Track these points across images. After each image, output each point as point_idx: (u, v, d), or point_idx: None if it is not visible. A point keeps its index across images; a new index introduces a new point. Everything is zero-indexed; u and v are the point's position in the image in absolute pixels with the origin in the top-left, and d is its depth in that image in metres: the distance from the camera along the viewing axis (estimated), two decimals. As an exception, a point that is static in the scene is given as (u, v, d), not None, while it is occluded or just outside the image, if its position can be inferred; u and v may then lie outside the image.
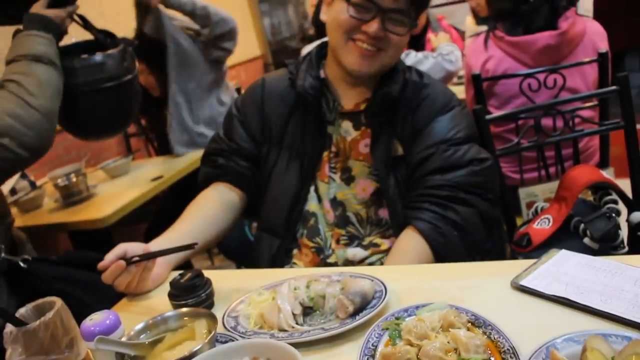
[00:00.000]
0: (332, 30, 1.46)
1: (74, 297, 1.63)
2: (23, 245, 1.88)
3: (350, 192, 1.54)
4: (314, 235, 1.54)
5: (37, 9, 1.76)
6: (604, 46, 2.11)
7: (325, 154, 1.55)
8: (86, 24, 1.95)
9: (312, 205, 1.56)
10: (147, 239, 1.40)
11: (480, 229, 1.42)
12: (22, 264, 1.65)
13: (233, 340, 0.98)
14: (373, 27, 1.37)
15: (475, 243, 1.41)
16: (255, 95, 1.63)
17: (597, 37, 2.13)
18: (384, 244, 1.52)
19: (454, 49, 2.94)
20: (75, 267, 1.80)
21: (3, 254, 1.64)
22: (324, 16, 1.50)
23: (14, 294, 1.64)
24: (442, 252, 1.35)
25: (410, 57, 2.83)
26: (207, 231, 1.51)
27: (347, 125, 1.54)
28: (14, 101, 1.59)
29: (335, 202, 1.55)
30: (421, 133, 1.47)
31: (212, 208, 1.56)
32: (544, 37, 2.07)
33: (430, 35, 3.69)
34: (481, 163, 1.44)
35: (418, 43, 3.61)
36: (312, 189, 1.56)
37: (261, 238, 1.60)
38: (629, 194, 1.69)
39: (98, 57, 1.85)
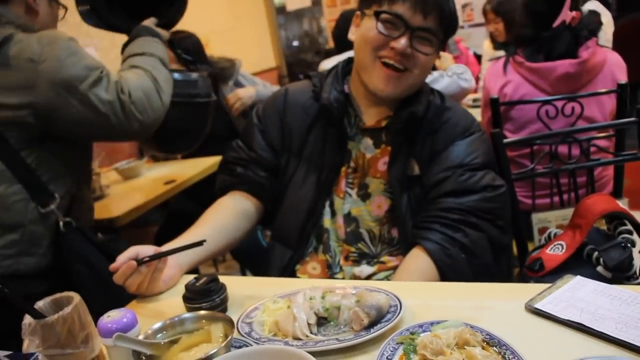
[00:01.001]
0: (360, 48, 1.48)
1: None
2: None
3: (365, 208, 1.54)
4: (325, 251, 1.55)
5: (149, 23, 1.92)
6: (623, 77, 2.12)
7: (343, 169, 1.56)
8: (173, 46, 2.11)
9: (325, 220, 1.56)
10: (158, 241, 1.41)
11: (488, 253, 1.43)
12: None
13: (247, 346, 0.99)
14: (401, 43, 1.39)
15: (482, 267, 1.41)
16: (278, 104, 1.65)
17: (616, 68, 2.15)
18: (391, 261, 1.52)
19: (464, 69, 2.98)
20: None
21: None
22: (352, 36, 1.53)
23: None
24: (448, 274, 1.36)
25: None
26: (220, 239, 1.52)
27: (367, 142, 1.56)
28: (150, 84, 1.75)
29: (349, 218, 1.55)
30: (439, 155, 1.49)
31: (227, 217, 1.57)
32: (563, 65, 2.09)
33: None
34: (495, 190, 1.46)
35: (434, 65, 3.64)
36: (327, 203, 1.56)
37: (274, 247, 1.61)
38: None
39: (194, 75, 2.03)
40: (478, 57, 4.23)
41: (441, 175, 1.46)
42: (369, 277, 1.51)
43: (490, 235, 1.43)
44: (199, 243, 1.30)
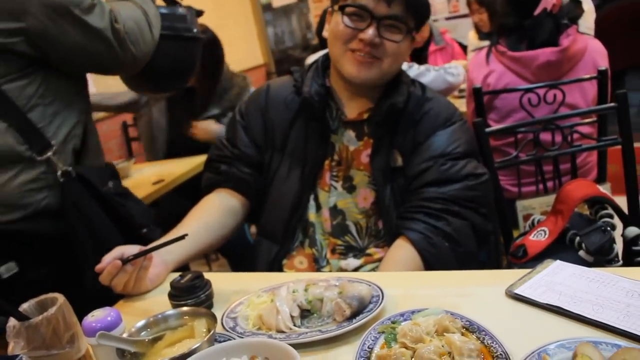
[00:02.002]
0: (331, 43, 1.49)
1: None
2: None
3: (352, 200, 1.55)
4: (312, 244, 1.56)
5: None
6: (604, 64, 2.14)
7: (327, 162, 1.57)
8: None
9: (311, 214, 1.57)
10: (148, 242, 1.42)
11: (471, 241, 1.45)
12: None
13: (231, 340, 1.00)
14: (368, 33, 1.40)
15: (466, 255, 1.43)
16: (260, 100, 1.65)
17: (597, 55, 2.16)
18: (377, 253, 1.53)
19: (459, 66, 2.98)
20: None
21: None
22: (325, 33, 1.54)
23: None
24: (432, 263, 1.37)
25: (413, 70, 2.87)
26: (205, 236, 1.53)
27: (349, 134, 1.56)
28: (142, 17, 1.70)
29: (335, 211, 1.56)
30: (421, 146, 1.50)
31: (212, 214, 1.57)
32: (545, 53, 2.10)
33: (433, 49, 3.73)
34: (477, 178, 1.47)
35: (420, 56, 3.65)
36: (311, 197, 1.57)
37: (260, 243, 1.62)
38: (625, 210, 1.71)
39: (181, 9, 1.93)
40: (464, 48, 4.24)
41: (423, 166, 1.47)
42: (355, 270, 1.52)
43: (473, 223, 1.45)
44: (181, 237, 1.30)
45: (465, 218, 1.43)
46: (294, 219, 1.56)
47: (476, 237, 1.45)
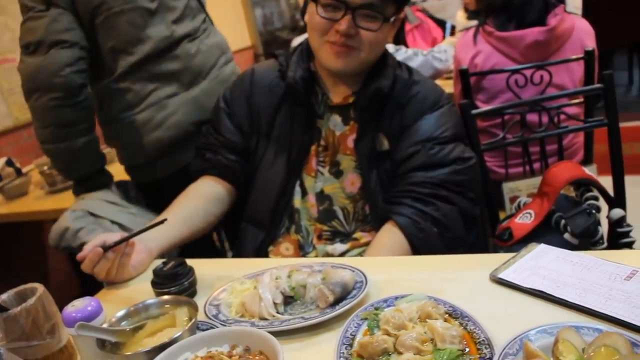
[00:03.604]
0: (309, 34, 1.48)
1: None
2: None
3: (339, 185, 1.54)
4: (297, 230, 1.55)
5: None
6: (591, 44, 2.12)
7: (313, 147, 1.55)
8: None
9: (296, 200, 1.56)
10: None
11: (459, 226, 1.44)
12: None
13: (214, 328, 0.99)
14: (343, 25, 1.37)
15: (454, 240, 1.42)
16: (244, 86, 1.63)
17: (585, 35, 2.15)
18: (364, 237, 1.52)
19: (447, 47, 2.95)
20: None
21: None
22: (306, 17, 1.51)
23: None
24: (420, 248, 1.36)
25: (400, 53, 2.84)
26: (190, 223, 1.51)
27: (336, 119, 1.54)
28: None
29: (322, 196, 1.55)
30: (408, 130, 1.48)
31: (197, 201, 1.56)
32: (532, 33, 2.08)
33: (409, 28, 3.70)
34: (465, 162, 1.46)
35: (398, 37, 3.63)
36: (297, 183, 1.56)
37: (247, 230, 1.61)
38: (612, 191, 1.71)
39: None
40: (440, 23, 4.20)
41: (411, 150, 1.45)
42: (342, 255, 1.51)
43: (461, 208, 1.44)
44: (160, 222, 1.29)
45: (454, 203, 1.42)
46: (280, 205, 1.55)
47: (464, 222, 1.45)
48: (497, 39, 2.16)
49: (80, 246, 1.73)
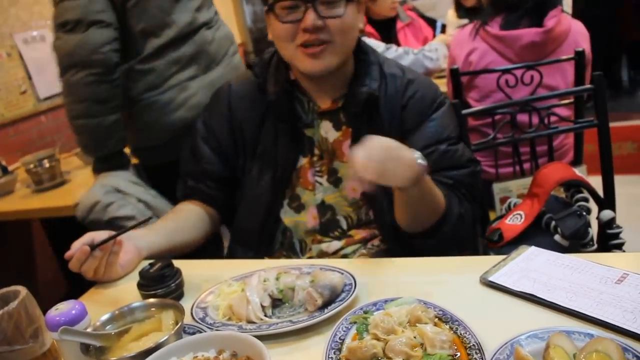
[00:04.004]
0: (279, 47, 1.41)
1: None
2: None
3: (340, 194, 1.49)
4: (288, 249, 1.51)
5: None
6: (586, 46, 2.11)
7: (306, 160, 1.49)
8: None
9: (286, 219, 1.50)
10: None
11: (469, 228, 1.41)
12: None
13: (201, 332, 0.97)
14: (308, 20, 1.30)
15: (462, 240, 1.39)
16: (222, 107, 1.55)
17: (580, 37, 2.13)
18: (358, 234, 1.48)
19: (438, 46, 2.94)
20: None
21: None
22: (270, 35, 1.44)
23: None
24: (448, 222, 1.32)
25: (391, 52, 2.83)
26: (181, 234, 1.49)
27: (326, 125, 1.48)
28: None
29: (324, 207, 1.49)
30: (413, 133, 1.42)
31: (185, 217, 1.54)
32: (529, 34, 2.06)
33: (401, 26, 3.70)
34: (475, 165, 1.44)
35: (390, 35, 3.62)
36: (285, 202, 1.50)
37: (235, 251, 1.56)
38: (601, 191, 1.71)
39: None
40: (432, 23, 4.19)
41: (423, 154, 1.33)
42: (336, 252, 1.48)
43: (473, 210, 1.41)
44: (146, 220, 1.28)
45: (469, 202, 1.39)
46: (268, 224, 1.49)
47: (473, 225, 1.43)
48: (493, 37, 2.14)
49: (109, 221, 1.92)
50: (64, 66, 1.89)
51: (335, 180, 1.49)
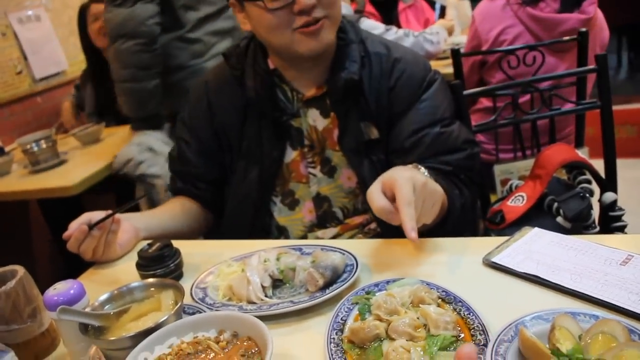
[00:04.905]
0: (271, 36, 1.30)
1: None
2: None
3: (335, 184, 1.44)
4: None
5: None
6: (606, 29, 2.06)
7: (296, 153, 1.43)
8: None
9: (280, 218, 1.47)
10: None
11: (470, 212, 1.37)
12: None
13: (201, 312, 0.96)
14: (302, 1, 1.21)
15: (463, 225, 1.34)
16: (201, 107, 1.49)
17: (603, 22, 2.07)
18: (355, 220, 1.46)
19: (439, 29, 2.90)
20: None
21: None
22: (245, 27, 1.35)
23: None
24: (451, 220, 1.26)
25: (391, 33, 2.79)
26: (178, 219, 1.50)
27: (313, 113, 1.42)
28: None
29: (319, 199, 1.45)
30: (404, 116, 1.36)
31: (180, 206, 1.53)
32: (572, 20, 1.95)
33: (402, 8, 3.66)
34: (472, 146, 1.38)
35: (391, 16, 3.58)
36: (278, 199, 1.46)
37: None
38: (603, 174, 1.70)
39: None
40: (442, 9, 4.15)
41: (415, 138, 1.34)
42: (332, 238, 1.45)
43: (472, 194, 1.38)
44: (141, 196, 1.26)
45: (469, 187, 1.35)
46: (257, 223, 1.45)
47: (472, 209, 1.39)
48: (531, 17, 2.02)
49: (139, 177, 2.25)
50: (114, 36, 2.17)
51: (330, 169, 1.44)
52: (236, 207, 1.48)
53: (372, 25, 2.73)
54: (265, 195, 1.45)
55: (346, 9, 2.83)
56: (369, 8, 3.56)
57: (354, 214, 1.46)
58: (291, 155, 1.44)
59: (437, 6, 4.11)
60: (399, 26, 3.30)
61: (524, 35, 2.05)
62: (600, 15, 2.08)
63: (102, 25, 3.04)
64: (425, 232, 1.27)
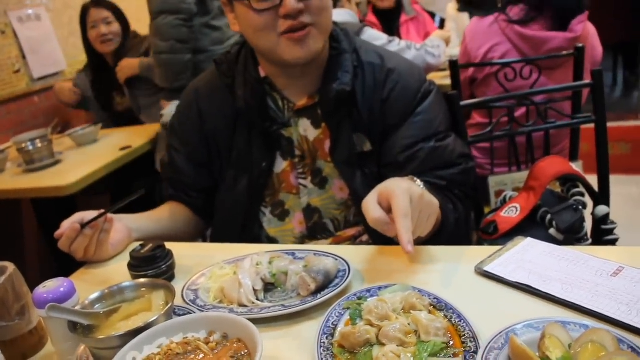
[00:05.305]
0: (255, 38, 1.28)
1: None
2: None
3: (326, 195, 1.42)
4: None
5: None
6: (598, 47, 2.07)
7: (286, 163, 1.41)
8: None
9: (270, 229, 1.45)
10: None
11: (464, 227, 1.36)
12: None
13: (191, 313, 0.96)
14: (288, 5, 1.18)
15: (457, 239, 1.30)
16: (192, 115, 1.47)
17: (595, 40, 2.07)
18: (347, 233, 1.44)
19: (439, 43, 2.92)
20: None
21: None
22: (234, 27, 1.33)
23: None
24: (444, 234, 1.25)
25: (393, 45, 2.79)
26: (170, 222, 1.49)
27: (304, 123, 1.39)
28: None
29: (310, 210, 1.42)
30: (398, 128, 1.34)
31: (173, 210, 1.53)
32: (558, 38, 1.97)
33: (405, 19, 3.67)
34: (467, 161, 1.37)
35: (392, 27, 3.60)
36: (267, 210, 1.44)
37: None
38: (596, 188, 1.70)
39: None
40: (442, 22, 4.19)
41: (409, 152, 1.32)
42: None
43: (467, 210, 1.37)
44: (138, 193, 1.24)
45: (462, 202, 1.34)
46: (248, 230, 1.44)
47: (467, 221, 1.38)
48: (518, 35, 2.03)
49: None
50: (157, 11, 2.44)
51: (321, 181, 1.41)
52: (226, 216, 1.47)
53: (375, 36, 2.73)
54: (255, 205, 1.43)
55: (351, 16, 2.83)
56: (371, 17, 3.57)
57: (346, 226, 1.44)
58: (281, 165, 1.42)
59: (437, 19, 4.14)
60: (399, 37, 3.32)
61: (512, 53, 2.06)
62: (592, 33, 2.08)
63: (100, 33, 3.09)
64: (418, 245, 1.27)
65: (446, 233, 1.26)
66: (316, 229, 1.43)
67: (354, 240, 1.45)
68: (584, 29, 2.01)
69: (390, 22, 3.65)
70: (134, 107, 3.27)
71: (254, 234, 1.44)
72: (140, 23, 3.35)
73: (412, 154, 1.32)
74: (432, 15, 4.11)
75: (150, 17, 2.50)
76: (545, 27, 2.01)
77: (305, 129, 1.40)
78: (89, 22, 3.14)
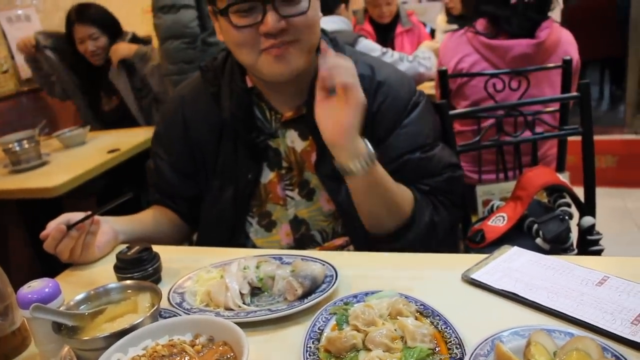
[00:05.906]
0: (237, 53, 1.26)
1: None
2: None
3: (314, 207, 1.40)
4: None
5: None
6: (575, 55, 2.10)
7: (273, 174, 1.40)
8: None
9: (257, 240, 1.44)
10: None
11: (443, 235, 1.36)
12: None
13: (177, 316, 0.95)
14: (269, 24, 1.15)
15: (430, 248, 1.28)
16: (177, 124, 1.45)
17: (570, 47, 2.11)
18: (333, 243, 1.43)
19: (430, 55, 2.94)
20: None
21: None
22: (219, 37, 1.30)
23: None
24: (414, 230, 1.27)
25: (387, 57, 2.80)
26: (155, 225, 1.48)
27: (292, 134, 1.38)
28: None
29: (297, 222, 1.41)
30: (386, 141, 1.33)
31: (159, 213, 1.52)
32: (520, 45, 2.02)
33: (400, 30, 3.70)
34: (454, 170, 1.37)
35: (387, 37, 3.62)
36: (254, 220, 1.43)
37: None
38: (582, 199, 1.72)
39: None
40: (432, 32, 4.22)
41: (396, 164, 1.32)
42: None
43: (451, 217, 1.37)
44: (126, 197, 1.23)
45: (446, 209, 1.35)
46: (235, 240, 1.42)
47: (451, 231, 1.40)
48: (484, 45, 2.09)
49: None
50: (164, 37, 2.58)
51: (308, 193, 1.40)
52: (211, 225, 1.45)
53: (369, 47, 2.74)
54: (241, 215, 1.42)
55: (345, 24, 2.85)
56: (367, 26, 3.59)
57: (333, 237, 1.43)
58: (268, 176, 1.41)
59: (427, 29, 4.17)
60: (392, 48, 3.33)
61: (480, 63, 2.11)
62: (565, 41, 2.11)
63: (88, 50, 3.11)
64: (386, 238, 1.30)
65: (415, 231, 1.29)
66: (304, 241, 1.42)
67: (340, 249, 1.44)
68: (553, 36, 2.06)
69: (385, 32, 3.68)
70: (134, 111, 3.29)
71: (240, 243, 1.43)
72: (131, 25, 3.35)
73: (399, 165, 1.32)
74: (423, 25, 4.15)
75: (158, 43, 2.68)
76: (511, 35, 2.07)
77: (293, 141, 1.38)
78: (77, 40, 3.15)
